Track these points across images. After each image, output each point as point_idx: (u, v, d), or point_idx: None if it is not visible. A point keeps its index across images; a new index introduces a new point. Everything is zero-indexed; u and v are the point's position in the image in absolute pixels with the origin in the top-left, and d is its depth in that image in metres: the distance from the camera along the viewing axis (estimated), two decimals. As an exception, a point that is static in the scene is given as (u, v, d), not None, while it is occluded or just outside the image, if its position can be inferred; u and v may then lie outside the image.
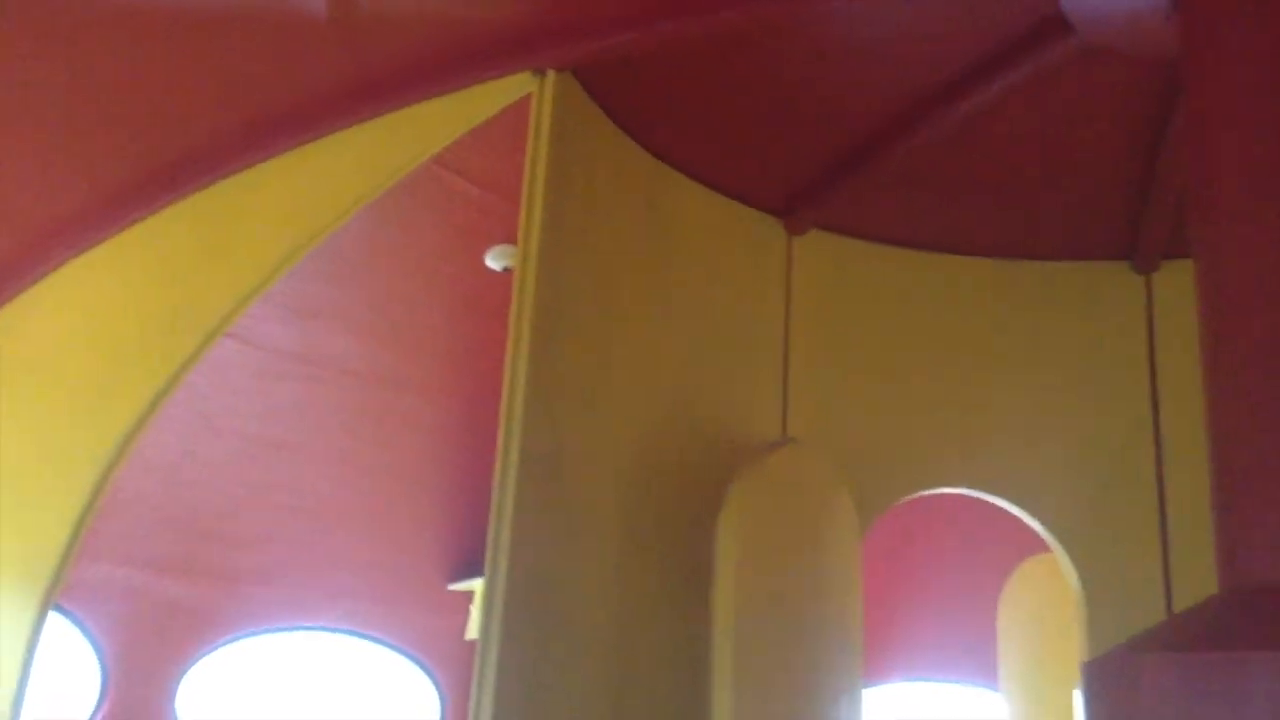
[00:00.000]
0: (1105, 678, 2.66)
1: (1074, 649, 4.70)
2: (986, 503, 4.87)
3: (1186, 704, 2.36)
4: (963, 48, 3.70)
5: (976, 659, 6.76)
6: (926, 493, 4.82)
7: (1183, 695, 2.38)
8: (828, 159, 4.37)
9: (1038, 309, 4.94)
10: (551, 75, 3.56)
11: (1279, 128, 2.87)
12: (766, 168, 4.43)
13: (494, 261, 5.15)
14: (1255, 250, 2.82)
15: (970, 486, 4.81)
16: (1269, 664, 2.25)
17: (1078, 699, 4.88)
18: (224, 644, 5.98)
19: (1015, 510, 4.80)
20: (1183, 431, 4.55)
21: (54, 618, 4.52)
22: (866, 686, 4.51)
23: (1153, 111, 4.00)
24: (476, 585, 6.00)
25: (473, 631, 6.20)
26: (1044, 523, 4.75)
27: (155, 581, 5.64)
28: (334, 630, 6.40)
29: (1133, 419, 4.75)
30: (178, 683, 5.81)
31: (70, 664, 5.48)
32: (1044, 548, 4.97)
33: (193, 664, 5.87)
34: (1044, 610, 5.84)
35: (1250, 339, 2.79)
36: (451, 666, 6.56)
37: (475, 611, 6.19)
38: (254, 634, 6.12)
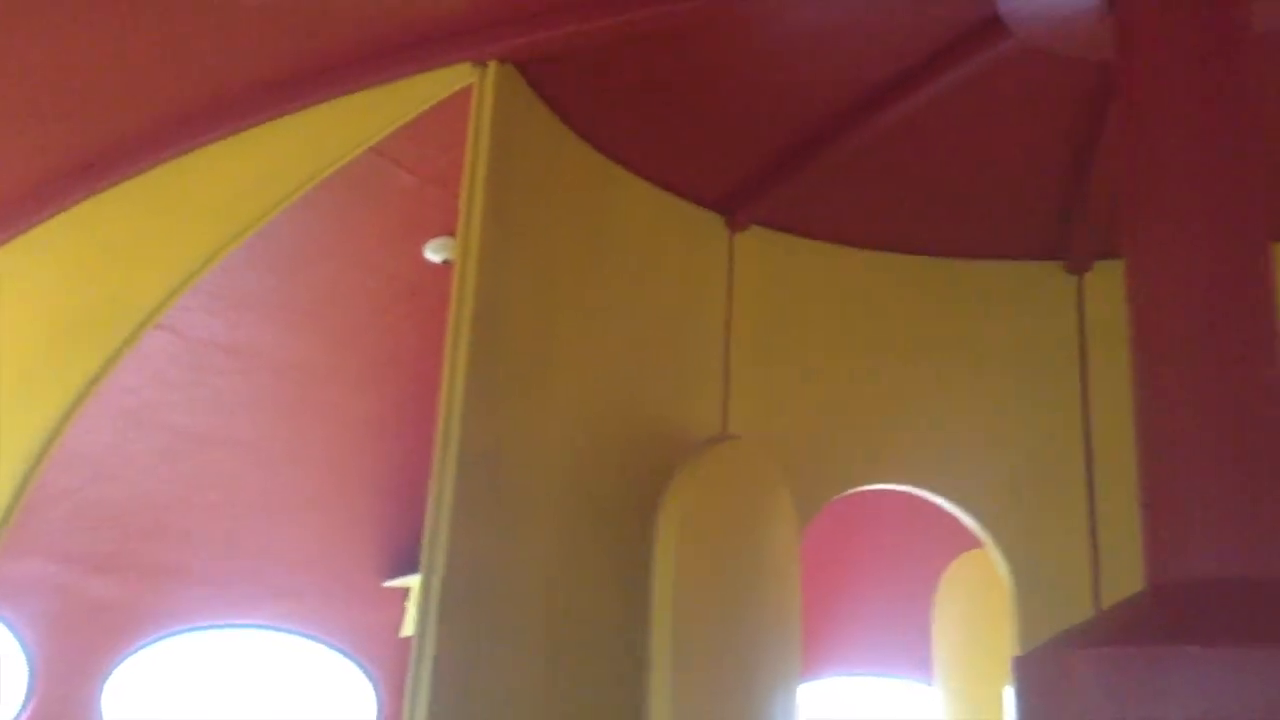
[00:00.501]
0: (1035, 672, 2.70)
1: (1007, 643, 4.77)
2: (922, 499, 4.93)
3: (1112, 698, 2.41)
4: (902, 47, 3.73)
5: (912, 654, 6.85)
6: (863, 489, 4.87)
7: (1109, 689, 2.42)
8: (769, 156, 4.39)
9: (973, 307, 5.01)
10: (493, 66, 3.53)
11: (1209, 130, 2.94)
12: (708, 163, 4.44)
13: (433, 254, 5.10)
14: (1183, 251, 2.88)
15: (906, 483, 4.87)
16: (1191, 658, 2.30)
17: (1009, 693, 4.96)
18: (152, 642, 5.86)
19: (950, 506, 4.87)
20: (1112, 429, 4.63)
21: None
22: (803, 681, 4.54)
23: (1088, 112, 4.07)
24: (412, 581, 5.94)
25: (408, 628, 6.14)
26: (977, 519, 4.82)
27: (82, 579, 5.51)
28: (267, 627, 6.30)
29: (1064, 417, 4.84)
30: (105, 681, 5.69)
31: (-5, 662, 5.35)
32: (978, 544, 5.03)
33: (120, 662, 5.75)
34: (977, 605, 5.92)
35: (1177, 338, 2.85)
36: (387, 664, 6.49)
37: (411, 608, 6.13)
38: (183, 632, 6.01)
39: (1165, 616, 2.58)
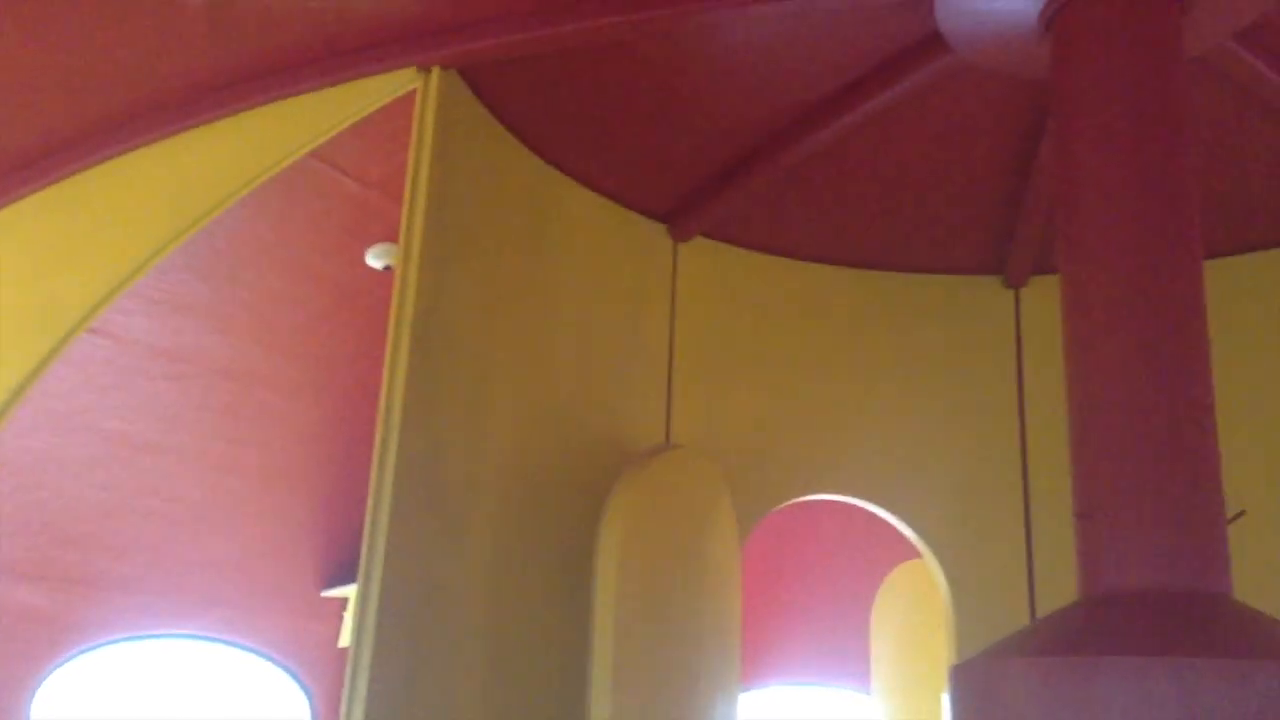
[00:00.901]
0: (971, 681, 2.73)
1: (943, 652, 4.83)
2: (862, 509, 4.98)
3: (1045, 707, 2.44)
4: (844, 63, 3.77)
5: (850, 663, 6.90)
6: (804, 499, 4.90)
7: (1041, 698, 2.46)
8: (712, 167, 4.41)
9: (913, 320, 5.07)
10: (436, 72, 3.51)
11: (1141, 150, 3.00)
12: (652, 173, 4.45)
13: (375, 260, 5.05)
14: (1116, 267, 2.94)
15: (846, 493, 4.91)
16: (1120, 668, 2.34)
17: (946, 702, 5.01)
18: (83, 653, 5.73)
19: (888, 517, 4.91)
20: (1048, 443, 4.71)
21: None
22: (743, 690, 4.55)
23: (1025, 130, 4.14)
24: (351, 591, 5.87)
25: (346, 639, 6.07)
26: (915, 529, 4.87)
27: (10, 587, 5.37)
28: (201, 637, 6.18)
29: (1001, 429, 4.91)
30: (34, 692, 5.55)
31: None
32: (916, 554, 5.09)
33: (49, 673, 5.61)
34: (915, 614, 5.99)
35: (1109, 354, 2.90)
36: (323, 675, 6.40)
37: (349, 618, 6.05)
38: (115, 642, 5.87)
39: (1098, 627, 2.62)
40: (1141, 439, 2.79)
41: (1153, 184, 2.96)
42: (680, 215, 4.68)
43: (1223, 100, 3.82)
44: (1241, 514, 2.83)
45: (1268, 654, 2.32)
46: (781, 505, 4.82)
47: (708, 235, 4.85)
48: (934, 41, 3.52)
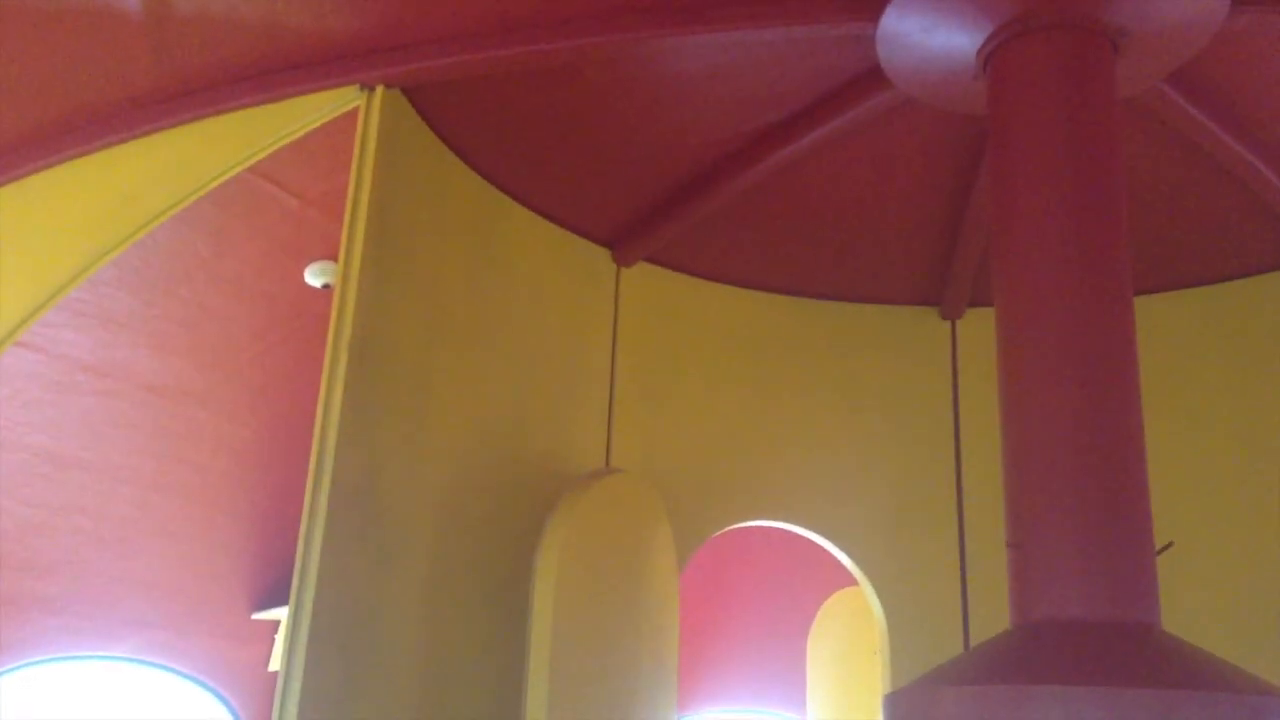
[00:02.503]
0: (904, 709, 2.74)
1: (878, 679, 4.85)
2: (800, 536, 5.00)
3: (978, 734, 2.47)
4: (787, 94, 3.81)
5: (786, 688, 6.91)
6: (744, 524, 4.91)
7: (975, 725, 2.48)
8: (656, 194, 4.43)
9: (852, 350, 5.12)
10: (380, 91, 3.49)
11: (1071, 187, 3.06)
12: (597, 198, 4.45)
13: (313, 278, 4.99)
14: (1048, 301, 2.99)
15: (784, 519, 4.93)
16: (1050, 697, 2.37)
17: (880, 728, 5.03)
18: (3, 674, 5.56)
19: (826, 543, 4.94)
20: (982, 473, 4.77)
21: None
22: (680, 715, 4.54)
23: (963, 165, 4.21)
24: (282, 614, 5.77)
25: (276, 663, 5.96)
26: (852, 557, 4.91)
27: (-71, 607, 5.21)
28: (129, 659, 6.04)
29: (937, 458, 4.97)
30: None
31: None
32: (853, 581, 5.12)
33: (-33, 695, 5.44)
34: (851, 641, 6.01)
35: (1041, 387, 2.95)
36: (253, 699, 6.28)
37: (280, 641, 5.95)
38: (39, 663, 5.72)
39: (1029, 656, 2.65)
40: (1072, 471, 2.83)
41: (1085, 221, 3.02)
42: (624, 240, 4.69)
43: (1154, 141, 3.92)
44: (1170, 545, 2.89)
45: (1193, 685, 2.36)
46: (721, 531, 4.83)
47: (651, 261, 4.86)
48: (875, 76, 3.57)
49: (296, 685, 2.99)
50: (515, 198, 4.35)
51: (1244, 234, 4.40)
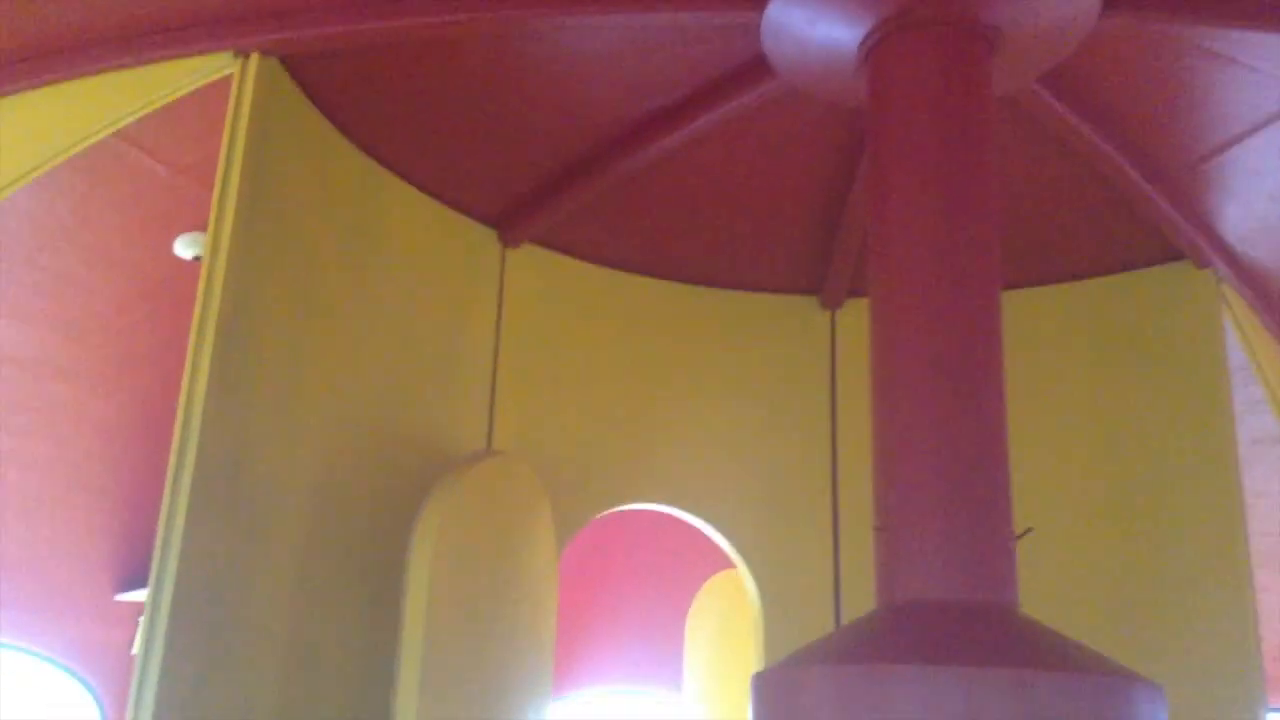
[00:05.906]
0: (772, 688, 2.79)
1: (754, 659, 4.93)
2: (679, 519, 5.04)
3: (841, 712, 2.52)
4: (674, 80, 3.82)
5: (666, 668, 6.99)
6: (624, 508, 4.92)
7: (838, 704, 2.54)
8: (542, 175, 4.40)
9: (733, 336, 5.17)
10: (255, 58, 3.38)
11: (944, 181, 3.14)
12: (482, 178, 4.40)
13: (184, 249, 4.84)
14: (917, 293, 3.06)
15: (664, 503, 4.96)
16: (910, 676, 2.44)
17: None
18: None
19: (704, 527, 4.99)
20: (856, 459, 4.87)
21: None
22: (559, 695, 4.54)
23: (844, 156, 4.28)
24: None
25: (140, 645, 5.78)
26: (729, 539, 4.97)
27: None
28: (-16, 642, 5.81)
29: (814, 444, 5.05)
30: None
31: None
32: (731, 564, 5.18)
33: None
34: (728, 622, 6.10)
35: (909, 375, 3.02)
36: (117, 682, 6.10)
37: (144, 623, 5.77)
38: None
39: (891, 637, 2.72)
40: (936, 457, 2.91)
41: (956, 215, 3.10)
42: (510, 221, 4.65)
43: (1027, 139, 4.04)
44: (1029, 531, 2.99)
45: (1047, 665, 2.45)
46: (601, 514, 4.84)
47: (538, 243, 4.83)
48: (761, 65, 3.60)
49: (155, 669, 2.91)
50: (398, 174, 4.27)
51: (1110, 233, 4.56)
